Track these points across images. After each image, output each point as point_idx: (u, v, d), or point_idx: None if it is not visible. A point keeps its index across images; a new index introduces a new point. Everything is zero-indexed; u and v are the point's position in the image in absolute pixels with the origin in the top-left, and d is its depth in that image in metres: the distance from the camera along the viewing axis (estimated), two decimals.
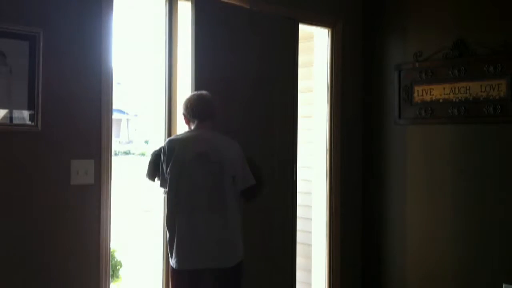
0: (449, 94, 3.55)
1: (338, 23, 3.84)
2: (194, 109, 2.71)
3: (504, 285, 3.27)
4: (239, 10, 3.22)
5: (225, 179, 2.60)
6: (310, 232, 3.94)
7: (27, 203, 2.50)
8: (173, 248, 2.57)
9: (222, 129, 2.78)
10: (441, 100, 3.59)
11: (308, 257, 3.95)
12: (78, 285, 2.65)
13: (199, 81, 2.95)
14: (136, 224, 9.05)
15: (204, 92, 2.79)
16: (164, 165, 2.61)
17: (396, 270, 3.86)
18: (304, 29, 3.70)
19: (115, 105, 2.85)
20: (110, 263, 2.78)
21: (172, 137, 2.78)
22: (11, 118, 2.44)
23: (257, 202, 2.93)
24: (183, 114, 2.77)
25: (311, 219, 3.93)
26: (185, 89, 3.03)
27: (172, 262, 2.58)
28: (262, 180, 2.83)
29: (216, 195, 2.60)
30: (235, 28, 3.17)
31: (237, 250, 2.64)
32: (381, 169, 3.95)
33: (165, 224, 2.65)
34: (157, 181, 2.70)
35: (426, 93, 3.66)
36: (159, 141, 2.99)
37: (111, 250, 2.78)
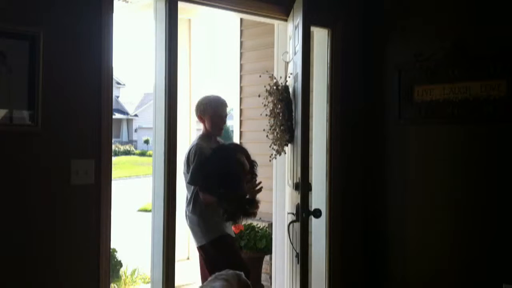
0: (449, 94, 3.54)
1: (338, 23, 3.84)
2: None
3: (504, 285, 3.27)
4: None
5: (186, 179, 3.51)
6: (310, 232, 3.93)
7: (27, 203, 2.50)
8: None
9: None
10: (441, 100, 3.58)
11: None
12: (78, 285, 2.65)
13: None
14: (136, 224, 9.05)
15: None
16: None
17: (396, 269, 3.86)
18: None
19: (115, 105, 2.86)
20: (110, 263, 2.78)
21: None
22: (11, 118, 2.44)
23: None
24: None
25: (311, 219, 3.93)
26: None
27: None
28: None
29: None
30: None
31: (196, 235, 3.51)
32: (381, 169, 3.95)
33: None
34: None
35: (426, 93, 3.66)
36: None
37: (111, 250, 2.78)
